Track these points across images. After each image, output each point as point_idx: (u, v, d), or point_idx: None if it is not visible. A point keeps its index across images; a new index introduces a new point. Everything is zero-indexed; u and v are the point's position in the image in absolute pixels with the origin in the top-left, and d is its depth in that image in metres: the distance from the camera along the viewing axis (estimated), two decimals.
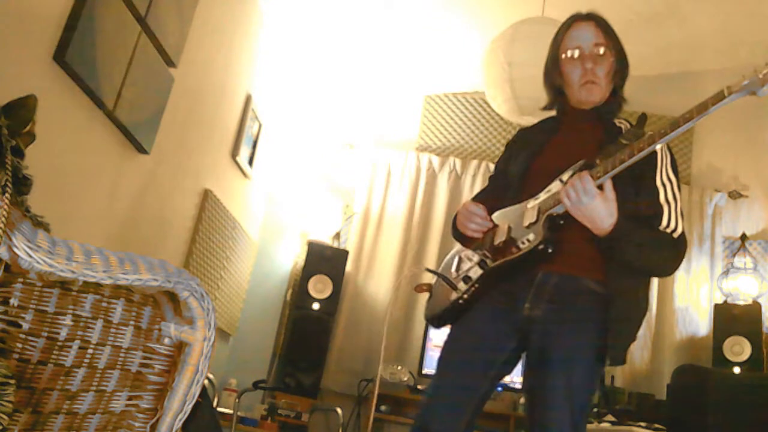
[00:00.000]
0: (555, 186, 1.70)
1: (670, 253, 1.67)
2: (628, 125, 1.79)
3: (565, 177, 1.68)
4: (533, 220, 1.68)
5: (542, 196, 1.72)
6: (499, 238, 1.75)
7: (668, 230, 1.65)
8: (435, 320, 1.89)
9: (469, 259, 1.83)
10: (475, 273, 1.77)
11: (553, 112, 1.97)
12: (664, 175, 1.70)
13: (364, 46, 4.39)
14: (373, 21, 4.14)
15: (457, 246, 1.96)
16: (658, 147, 1.56)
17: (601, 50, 1.79)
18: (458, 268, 1.85)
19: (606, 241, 1.59)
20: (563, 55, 1.83)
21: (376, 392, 1.74)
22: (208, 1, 3.19)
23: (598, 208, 1.56)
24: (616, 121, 1.82)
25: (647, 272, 1.76)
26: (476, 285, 1.75)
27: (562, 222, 1.65)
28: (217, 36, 3.40)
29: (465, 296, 1.76)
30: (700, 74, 4.45)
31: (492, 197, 1.90)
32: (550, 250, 1.63)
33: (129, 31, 2.50)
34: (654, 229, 1.65)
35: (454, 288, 1.79)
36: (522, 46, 3.21)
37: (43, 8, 2.09)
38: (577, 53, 1.80)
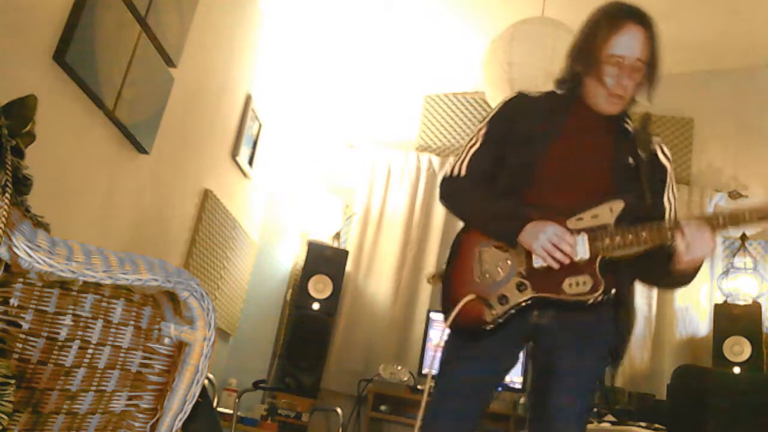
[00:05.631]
0: (603, 214, 1.64)
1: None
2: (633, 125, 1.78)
3: (615, 208, 1.64)
4: (585, 256, 1.61)
5: (586, 219, 1.65)
6: (539, 260, 1.65)
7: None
8: (461, 333, 1.77)
9: (497, 267, 1.71)
10: (513, 295, 1.67)
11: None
12: (671, 194, 1.76)
13: (364, 46, 4.39)
14: (373, 21, 4.13)
15: (463, 237, 1.84)
16: (670, 166, 1.74)
17: (641, 67, 1.68)
18: (483, 271, 1.72)
19: (679, 273, 1.63)
20: (603, 56, 1.67)
21: (426, 394, 1.74)
22: (208, 1, 3.19)
23: (708, 254, 1.61)
24: (625, 123, 1.79)
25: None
26: (513, 311, 1.67)
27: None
28: (217, 36, 3.40)
29: (500, 320, 1.68)
30: (700, 74, 4.46)
31: (491, 178, 1.82)
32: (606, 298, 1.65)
33: (129, 31, 2.50)
34: None
35: (489, 306, 1.68)
36: (522, 46, 3.21)
37: (43, 8, 2.08)
38: (617, 63, 1.66)
